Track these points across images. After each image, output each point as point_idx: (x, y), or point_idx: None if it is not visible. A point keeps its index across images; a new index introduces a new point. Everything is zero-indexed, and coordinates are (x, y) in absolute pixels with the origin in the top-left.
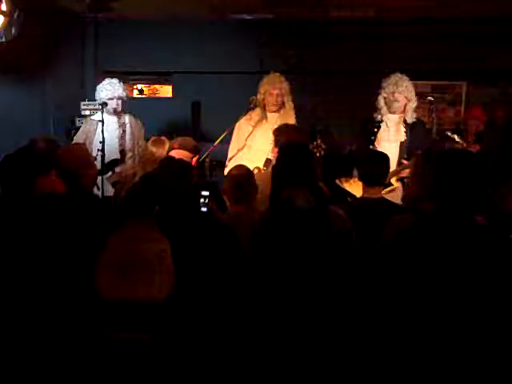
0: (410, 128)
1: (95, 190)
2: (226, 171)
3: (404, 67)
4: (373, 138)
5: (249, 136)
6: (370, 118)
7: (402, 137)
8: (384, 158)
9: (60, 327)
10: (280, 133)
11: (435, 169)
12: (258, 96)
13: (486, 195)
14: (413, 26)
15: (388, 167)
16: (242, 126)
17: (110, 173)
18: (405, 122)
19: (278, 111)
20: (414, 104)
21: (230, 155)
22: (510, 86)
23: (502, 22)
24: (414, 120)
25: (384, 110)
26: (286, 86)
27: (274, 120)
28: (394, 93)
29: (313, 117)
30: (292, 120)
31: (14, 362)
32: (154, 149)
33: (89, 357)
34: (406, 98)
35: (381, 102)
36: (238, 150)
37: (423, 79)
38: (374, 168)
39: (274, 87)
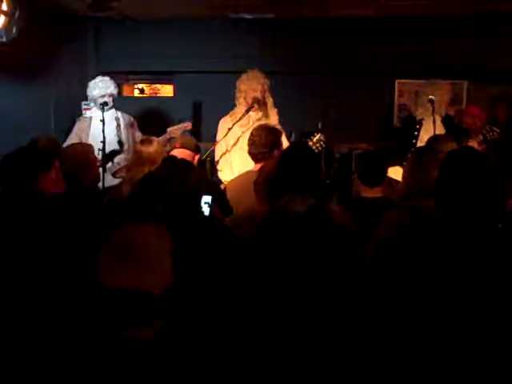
0: None
1: None
2: (220, 175)
3: (404, 66)
4: (416, 133)
5: (238, 138)
6: (409, 117)
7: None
8: (381, 156)
9: (65, 322)
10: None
11: (440, 168)
12: (238, 94)
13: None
14: (413, 25)
15: (386, 166)
16: (224, 124)
17: (109, 163)
18: None
19: (259, 108)
20: None
21: (217, 156)
22: (510, 86)
23: (504, 21)
24: None
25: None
26: (266, 81)
27: (258, 118)
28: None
29: (312, 116)
30: (275, 117)
31: (18, 358)
32: (141, 148)
33: (93, 354)
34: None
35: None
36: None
37: (423, 78)
38: (372, 167)
39: (256, 83)
